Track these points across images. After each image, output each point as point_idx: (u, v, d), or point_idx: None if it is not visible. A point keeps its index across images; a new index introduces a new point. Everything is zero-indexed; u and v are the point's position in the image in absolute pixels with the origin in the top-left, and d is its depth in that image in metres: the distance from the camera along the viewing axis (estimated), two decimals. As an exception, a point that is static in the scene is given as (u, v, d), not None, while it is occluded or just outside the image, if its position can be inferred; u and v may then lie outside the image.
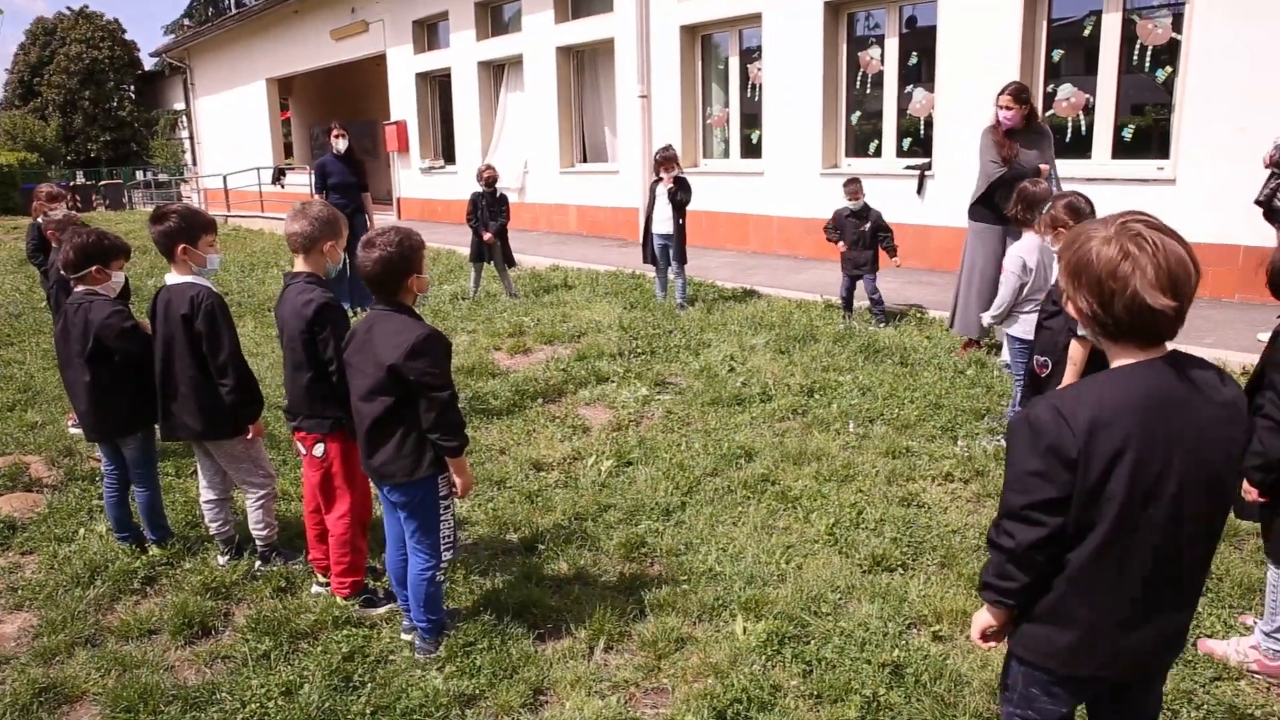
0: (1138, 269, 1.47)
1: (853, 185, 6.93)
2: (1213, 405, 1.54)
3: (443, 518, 2.89)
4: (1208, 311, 6.75)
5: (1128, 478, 1.50)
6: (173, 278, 3.45)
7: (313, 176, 8.54)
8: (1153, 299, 1.46)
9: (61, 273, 3.98)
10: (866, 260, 6.81)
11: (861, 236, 6.80)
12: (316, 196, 8.34)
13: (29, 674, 2.92)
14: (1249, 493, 2.52)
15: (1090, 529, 1.55)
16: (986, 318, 4.63)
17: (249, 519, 3.58)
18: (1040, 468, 1.54)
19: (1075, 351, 3.11)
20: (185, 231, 3.37)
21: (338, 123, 8.86)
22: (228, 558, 3.63)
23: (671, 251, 7.72)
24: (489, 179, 8.86)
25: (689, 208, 7.73)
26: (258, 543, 3.60)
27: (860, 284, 6.91)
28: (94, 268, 3.60)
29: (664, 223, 7.65)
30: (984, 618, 1.76)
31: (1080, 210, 3.74)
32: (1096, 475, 1.51)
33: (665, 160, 7.53)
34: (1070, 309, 1.60)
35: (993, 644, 1.80)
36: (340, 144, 8.38)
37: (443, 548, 2.92)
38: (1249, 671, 2.72)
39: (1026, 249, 4.32)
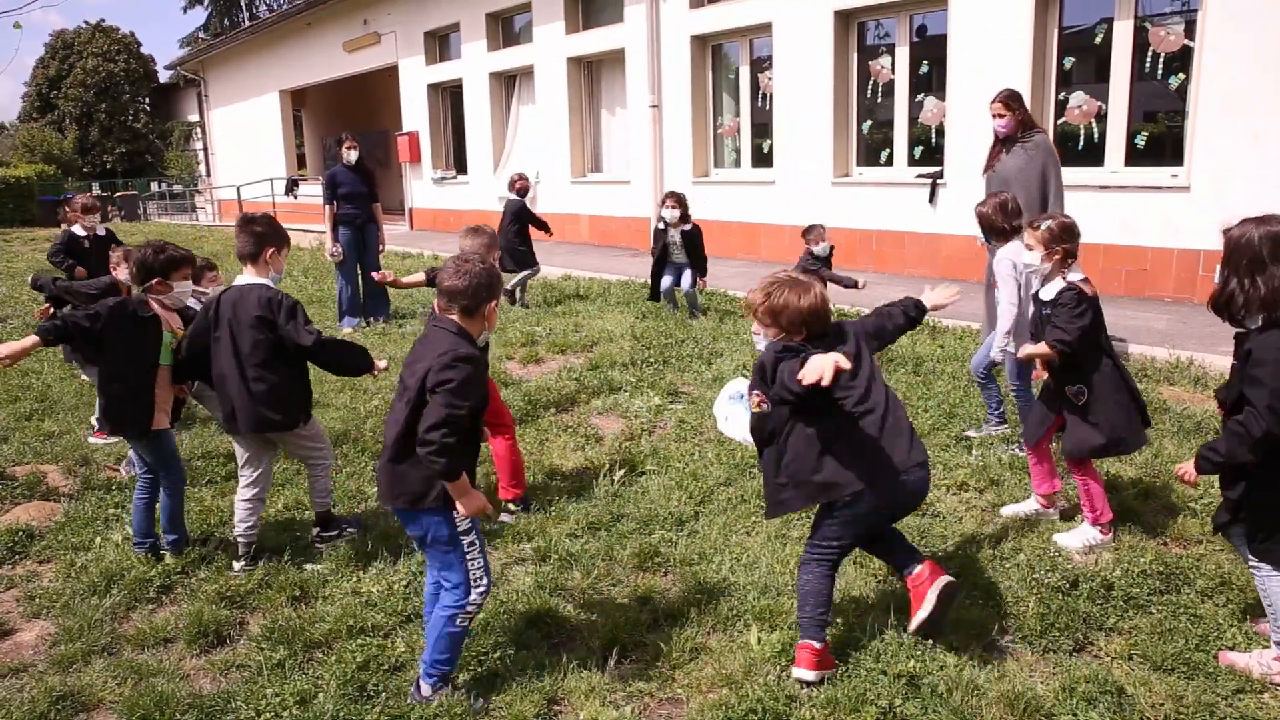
0: None
1: (816, 231, 6.77)
2: None
3: (467, 554, 2.69)
4: (1224, 319, 6.70)
5: None
6: (245, 279, 3.61)
7: (323, 186, 8.60)
8: None
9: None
10: None
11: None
12: (326, 207, 8.42)
13: (46, 682, 2.93)
14: (1185, 473, 2.73)
15: None
16: (999, 343, 4.31)
17: (313, 491, 3.88)
18: None
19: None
20: (275, 238, 3.64)
21: (349, 133, 8.92)
22: (243, 563, 3.65)
23: (688, 272, 7.65)
24: (521, 189, 8.90)
25: (700, 216, 7.80)
26: (319, 511, 3.89)
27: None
28: (155, 281, 3.68)
29: (679, 257, 7.66)
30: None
31: (1075, 231, 3.54)
32: None
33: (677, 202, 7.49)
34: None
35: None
36: (351, 155, 8.44)
37: (473, 586, 2.69)
38: (1272, 684, 2.69)
39: (1013, 250, 4.21)
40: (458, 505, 2.60)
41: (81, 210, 6.52)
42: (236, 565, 3.66)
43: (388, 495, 2.75)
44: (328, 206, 8.38)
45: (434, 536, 2.69)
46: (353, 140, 8.53)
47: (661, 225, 7.62)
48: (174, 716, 2.74)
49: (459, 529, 2.68)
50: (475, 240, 3.89)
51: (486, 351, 3.18)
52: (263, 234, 3.59)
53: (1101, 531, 3.52)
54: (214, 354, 3.59)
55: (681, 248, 7.58)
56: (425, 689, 2.72)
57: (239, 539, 3.69)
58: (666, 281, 7.76)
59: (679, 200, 7.53)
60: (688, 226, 7.52)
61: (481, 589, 2.72)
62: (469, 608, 2.70)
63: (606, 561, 3.59)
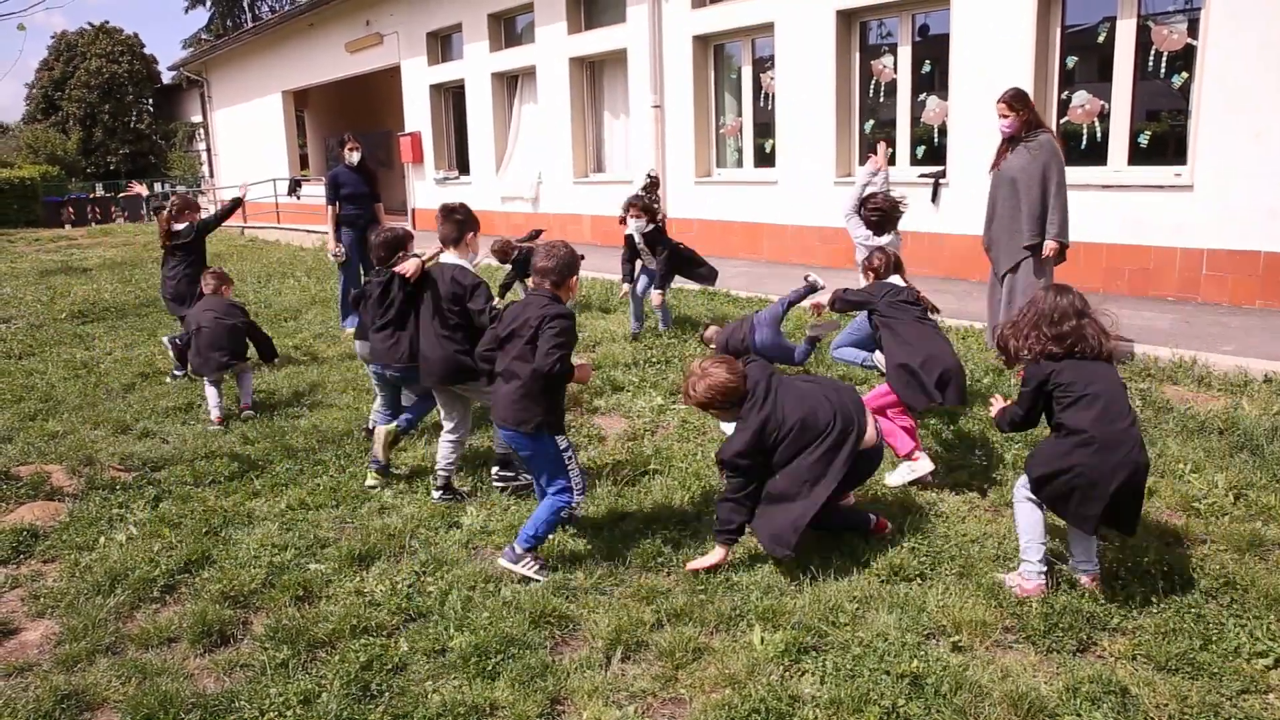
0: None
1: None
2: None
3: (569, 465, 3.57)
4: (1227, 319, 6.69)
5: None
6: (449, 259, 4.25)
7: (325, 187, 8.62)
8: None
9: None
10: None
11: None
12: (329, 208, 8.44)
13: (51, 681, 2.94)
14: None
15: None
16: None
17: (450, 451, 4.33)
18: None
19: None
20: (471, 224, 4.30)
21: (351, 134, 8.93)
22: (439, 494, 4.28)
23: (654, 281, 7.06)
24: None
25: (702, 216, 7.68)
26: (500, 454, 4.44)
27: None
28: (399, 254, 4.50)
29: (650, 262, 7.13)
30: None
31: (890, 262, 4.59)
32: None
33: (643, 208, 7.03)
34: None
35: None
36: (354, 156, 8.46)
37: (575, 490, 3.57)
38: (1020, 594, 3.09)
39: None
40: (577, 371, 3.55)
41: (178, 210, 7.13)
42: (435, 495, 4.27)
43: (512, 421, 3.49)
44: (330, 207, 8.39)
45: (547, 454, 3.52)
46: (355, 141, 8.55)
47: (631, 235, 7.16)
48: (178, 716, 2.75)
49: (561, 447, 3.55)
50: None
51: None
52: (462, 221, 4.30)
53: (911, 459, 4.11)
54: (420, 317, 4.29)
55: (650, 252, 7.07)
56: (519, 549, 3.46)
57: (439, 472, 4.30)
58: (641, 284, 7.28)
59: (643, 208, 7.03)
60: (649, 227, 7.02)
61: (580, 489, 3.59)
62: (573, 504, 3.58)
63: (610, 561, 3.59)
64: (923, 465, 4.12)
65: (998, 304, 5.80)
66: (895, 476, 4.16)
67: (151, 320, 9.46)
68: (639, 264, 7.26)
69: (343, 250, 8.39)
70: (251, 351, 6.19)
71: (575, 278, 3.67)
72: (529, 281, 3.80)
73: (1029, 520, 3.21)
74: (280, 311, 9.55)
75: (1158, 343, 6.03)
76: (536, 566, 3.47)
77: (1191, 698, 2.59)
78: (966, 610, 3.06)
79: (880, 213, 5.34)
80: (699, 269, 7.21)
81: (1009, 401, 3.38)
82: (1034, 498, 3.20)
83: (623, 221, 7.19)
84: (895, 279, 4.48)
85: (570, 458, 3.58)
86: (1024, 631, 2.98)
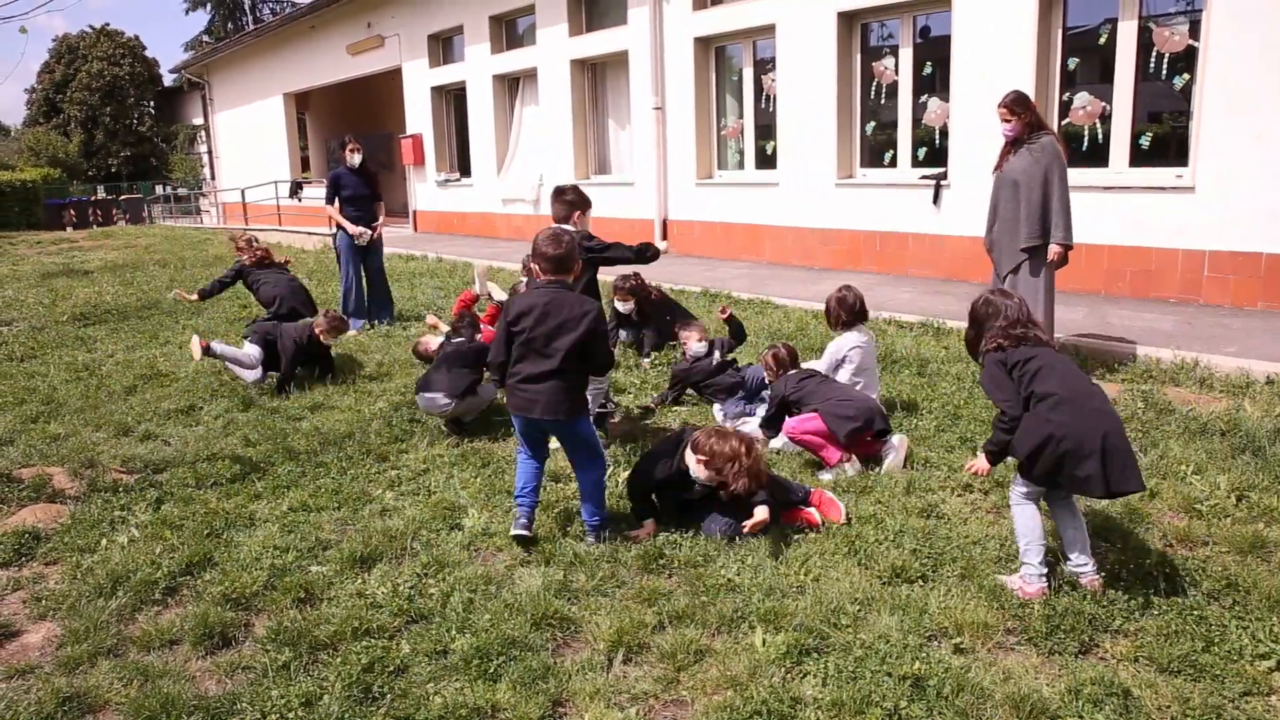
0: None
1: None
2: None
3: (596, 441, 3.87)
4: (1229, 320, 6.68)
5: None
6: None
7: (326, 187, 8.65)
8: None
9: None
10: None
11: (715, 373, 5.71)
12: (328, 207, 8.46)
13: (53, 683, 2.94)
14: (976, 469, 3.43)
15: None
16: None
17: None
18: None
19: None
20: (581, 203, 4.67)
21: (351, 136, 8.95)
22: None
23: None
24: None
25: (704, 218, 7.63)
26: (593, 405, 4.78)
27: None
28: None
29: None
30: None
31: (782, 360, 5.02)
32: None
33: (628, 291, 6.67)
34: None
35: None
36: (354, 158, 8.48)
37: (603, 457, 3.90)
38: (1021, 596, 3.13)
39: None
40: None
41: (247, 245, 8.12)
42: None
43: (553, 411, 3.65)
44: (330, 206, 8.44)
45: (584, 435, 3.79)
46: (355, 143, 8.56)
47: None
48: (179, 718, 2.75)
49: (592, 427, 3.93)
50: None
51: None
52: (572, 201, 4.64)
53: (844, 460, 4.41)
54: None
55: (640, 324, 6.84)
56: (600, 529, 3.77)
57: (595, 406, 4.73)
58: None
59: (629, 292, 6.79)
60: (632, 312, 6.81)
61: (607, 456, 3.99)
62: (606, 468, 3.91)
63: (611, 563, 3.59)
64: (853, 468, 4.42)
65: None
66: (830, 475, 4.42)
67: (153, 323, 9.46)
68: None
69: (367, 234, 8.42)
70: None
71: (579, 263, 3.90)
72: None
73: (1027, 523, 3.23)
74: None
75: (1160, 344, 6.02)
76: (612, 534, 3.77)
77: (1194, 700, 2.59)
78: (968, 612, 3.06)
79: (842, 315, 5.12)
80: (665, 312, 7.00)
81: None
82: (1030, 498, 3.23)
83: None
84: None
85: (593, 432, 3.90)
86: (1026, 633, 2.98)
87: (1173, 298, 7.51)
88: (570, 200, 4.66)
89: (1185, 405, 5.00)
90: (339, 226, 8.49)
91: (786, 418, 4.72)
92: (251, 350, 6.47)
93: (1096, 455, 2.98)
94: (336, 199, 8.42)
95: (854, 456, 4.47)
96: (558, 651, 3.04)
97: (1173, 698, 2.61)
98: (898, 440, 4.51)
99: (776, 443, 4.81)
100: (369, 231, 8.43)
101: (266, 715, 2.73)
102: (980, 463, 3.37)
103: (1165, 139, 7.80)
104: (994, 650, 2.92)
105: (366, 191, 8.48)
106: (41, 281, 13.49)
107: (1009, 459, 3.35)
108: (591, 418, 4.43)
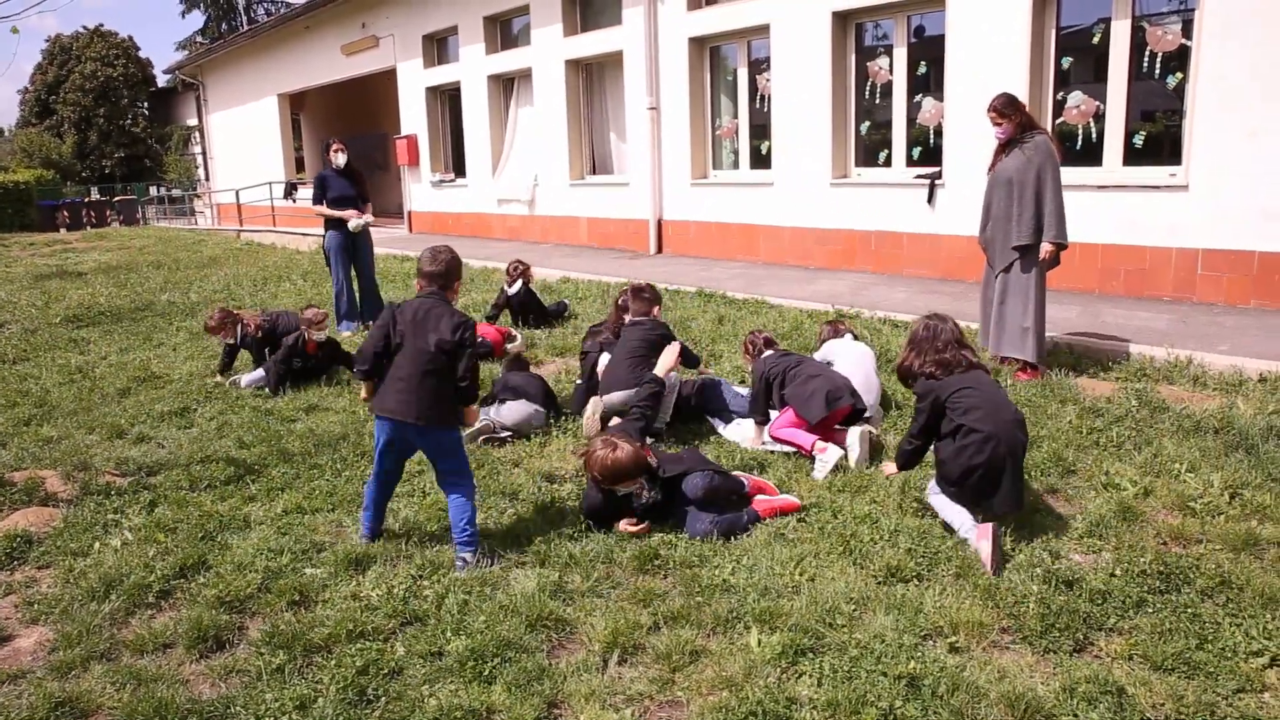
0: None
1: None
2: None
3: (463, 455, 3.80)
4: (1222, 318, 6.70)
5: None
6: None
7: (313, 188, 8.66)
8: None
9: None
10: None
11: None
12: (315, 207, 8.47)
13: (45, 688, 2.92)
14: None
15: None
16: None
17: None
18: None
19: None
20: (657, 299, 5.26)
21: (336, 138, 8.93)
22: None
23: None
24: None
25: (699, 218, 7.58)
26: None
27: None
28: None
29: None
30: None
31: (758, 345, 5.24)
32: None
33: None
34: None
35: None
36: (339, 158, 8.47)
37: (470, 475, 3.79)
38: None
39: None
40: (465, 417, 3.87)
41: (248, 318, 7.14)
42: None
43: (420, 416, 3.60)
44: (318, 205, 8.45)
45: (450, 447, 3.74)
46: (340, 144, 8.55)
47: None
48: (173, 722, 2.74)
49: (461, 441, 3.84)
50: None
51: None
52: (649, 298, 5.21)
53: (819, 451, 4.43)
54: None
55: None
56: (469, 557, 3.62)
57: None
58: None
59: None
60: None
61: (471, 476, 3.80)
62: (473, 488, 3.77)
63: (606, 564, 3.59)
64: (830, 454, 4.44)
65: (989, 304, 5.81)
66: (817, 471, 4.41)
67: (146, 325, 9.44)
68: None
69: (356, 216, 8.40)
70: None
71: (460, 281, 3.90)
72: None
73: (947, 505, 3.65)
74: (276, 315, 9.52)
75: (1153, 343, 6.04)
76: (490, 557, 3.68)
77: (1188, 697, 2.60)
78: (963, 611, 3.06)
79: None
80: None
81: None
82: (945, 492, 3.67)
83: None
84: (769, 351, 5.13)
85: (462, 446, 3.85)
86: (1021, 632, 2.98)
87: (1166, 296, 7.53)
88: (648, 298, 5.31)
89: (1179, 403, 5.01)
90: (327, 227, 8.48)
91: (770, 399, 4.83)
92: (258, 374, 6.63)
93: (1005, 482, 3.50)
94: (324, 200, 8.41)
95: (829, 445, 4.47)
96: (553, 653, 3.04)
97: (1167, 695, 2.61)
98: (858, 435, 4.48)
99: (766, 445, 4.82)
100: (358, 215, 8.38)
101: (261, 719, 2.72)
102: (890, 467, 4.18)
103: (1159, 138, 7.82)
104: (989, 649, 2.92)
105: (352, 193, 8.46)
106: (34, 283, 13.45)
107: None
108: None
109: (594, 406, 4.99)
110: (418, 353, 3.64)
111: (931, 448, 3.81)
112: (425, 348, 3.62)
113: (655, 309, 5.44)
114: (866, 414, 4.79)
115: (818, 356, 5.29)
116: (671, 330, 5.34)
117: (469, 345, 3.65)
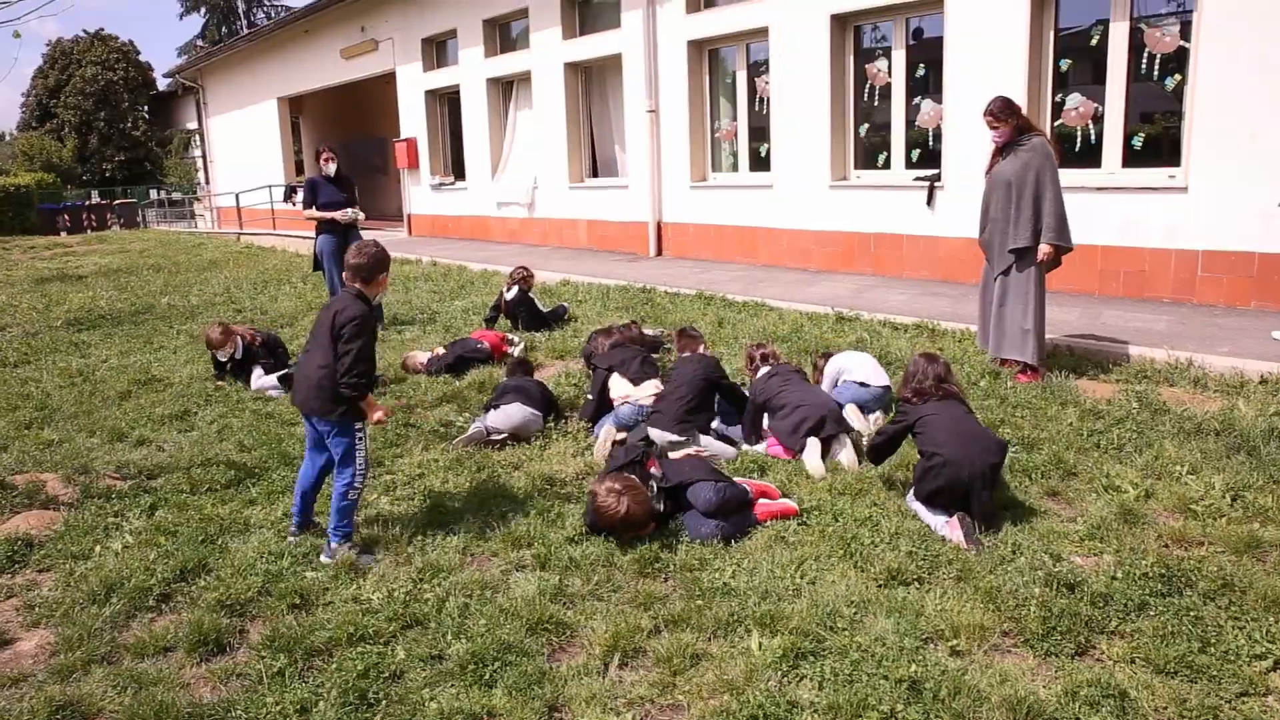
0: None
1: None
2: None
3: (358, 449, 3.80)
4: (1223, 320, 6.70)
5: None
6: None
7: (303, 192, 8.70)
8: None
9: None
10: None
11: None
12: (306, 211, 8.54)
13: (46, 691, 2.92)
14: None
15: None
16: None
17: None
18: None
19: None
20: (700, 338, 5.47)
21: (326, 145, 8.95)
22: None
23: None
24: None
25: (698, 220, 7.57)
26: None
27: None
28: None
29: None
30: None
31: (754, 359, 5.35)
32: None
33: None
34: None
35: None
36: (329, 167, 8.49)
37: (357, 472, 3.79)
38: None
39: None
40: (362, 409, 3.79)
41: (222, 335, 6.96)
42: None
43: (306, 404, 3.75)
44: (309, 210, 8.47)
45: (340, 434, 3.75)
46: (330, 152, 8.57)
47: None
48: (174, 726, 2.73)
49: (357, 431, 3.80)
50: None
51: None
52: (694, 336, 5.58)
53: (800, 450, 4.59)
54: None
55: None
56: (334, 545, 3.77)
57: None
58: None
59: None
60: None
61: (363, 474, 3.82)
62: (356, 483, 3.79)
63: (607, 567, 3.59)
64: (811, 445, 4.57)
65: (989, 305, 5.81)
66: (810, 467, 4.48)
67: (147, 328, 9.44)
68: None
69: (352, 213, 8.42)
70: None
71: (385, 275, 3.94)
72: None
73: (925, 511, 3.86)
74: (276, 318, 9.53)
75: (1154, 344, 6.04)
76: (357, 552, 3.78)
77: (1190, 700, 2.59)
78: (964, 614, 3.06)
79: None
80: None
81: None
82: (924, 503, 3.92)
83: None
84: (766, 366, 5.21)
85: (361, 439, 3.84)
86: (1022, 635, 2.98)
87: (1166, 298, 7.53)
88: (693, 335, 5.66)
89: (1180, 405, 5.01)
90: (318, 231, 8.49)
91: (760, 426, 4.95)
92: (270, 380, 6.71)
93: (974, 505, 3.74)
94: (314, 205, 8.43)
95: (806, 444, 4.60)
96: (553, 656, 3.04)
97: (1169, 699, 2.61)
98: (848, 442, 4.64)
99: (759, 448, 4.85)
100: (348, 210, 8.38)
101: (261, 722, 2.72)
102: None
103: (1158, 139, 7.83)
104: (990, 652, 2.92)
105: (341, 198, 8.47)
106: (35, 287, 13.45)
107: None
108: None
109: (607, 434, 4.93)
110: (315, 345, 3.80)
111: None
112: (322, 341, 3.75)
113: (700, 346, 5.62)
114: (871, 413, 4.92)
115: (828, 372, 5.37)
116: (721, 368, 5.26)
117: (347, 336, 3.68)
